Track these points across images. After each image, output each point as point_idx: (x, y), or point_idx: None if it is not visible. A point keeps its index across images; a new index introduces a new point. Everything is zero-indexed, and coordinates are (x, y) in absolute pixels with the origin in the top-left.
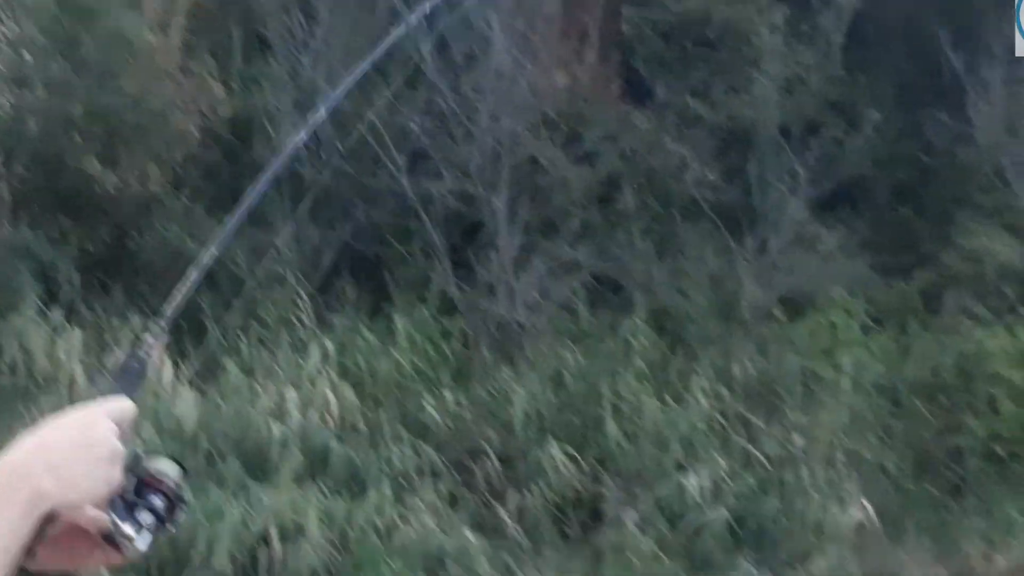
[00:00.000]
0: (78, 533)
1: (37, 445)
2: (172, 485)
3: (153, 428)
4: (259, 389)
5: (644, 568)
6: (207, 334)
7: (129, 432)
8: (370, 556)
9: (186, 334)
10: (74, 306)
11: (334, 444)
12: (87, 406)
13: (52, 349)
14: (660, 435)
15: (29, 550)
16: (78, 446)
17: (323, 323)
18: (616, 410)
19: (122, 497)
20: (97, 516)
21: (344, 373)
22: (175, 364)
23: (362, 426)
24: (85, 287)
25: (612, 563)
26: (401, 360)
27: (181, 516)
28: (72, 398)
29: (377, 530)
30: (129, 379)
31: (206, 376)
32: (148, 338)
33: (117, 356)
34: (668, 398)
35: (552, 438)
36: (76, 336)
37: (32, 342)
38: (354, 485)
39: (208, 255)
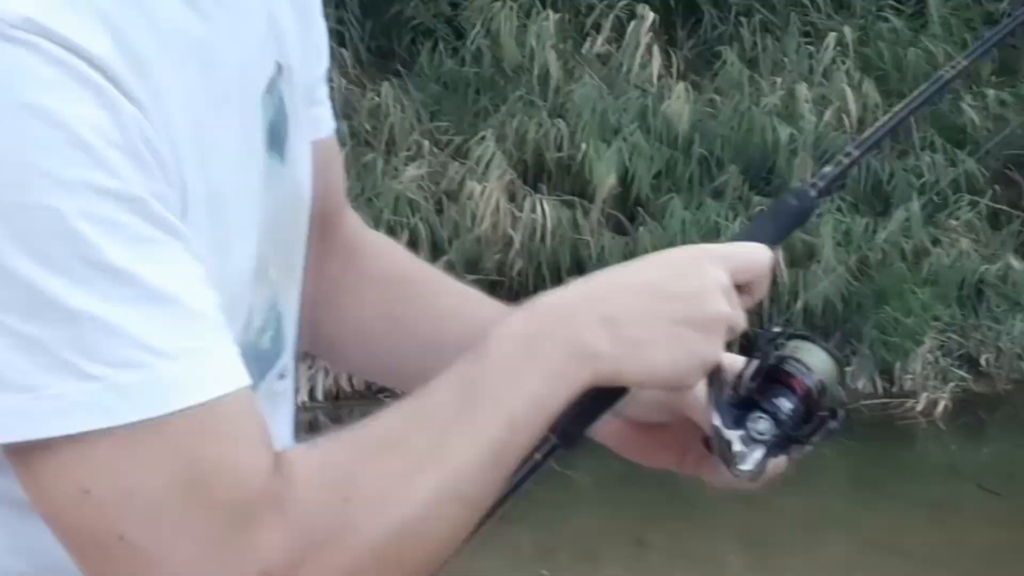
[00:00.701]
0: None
1: (596, 288)
2: (814, 387)
3: (639, 129)
4: (763, 84)
5: None
6: (702, 18)
7: (755, 296)
8: (894, 283)
9: (677, 17)
10: None
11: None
12: (692, 248)
13: (522, 34)
14: None
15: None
16: (660, 298)
17: (840, 5)
18: None
19: (734, 389)
20: (687, 406)
21: (865, 65)
22: (664, 53)
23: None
24: None
25: None
26: (933, 49)
27: (820, 437)
28: (544, 91)
29: (903, 254)
30: (778, 221)
31: (700, 69)
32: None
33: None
34: None
35: None
36: (549, 19)
37: (498, 25)
38: (876, 202)
39: None
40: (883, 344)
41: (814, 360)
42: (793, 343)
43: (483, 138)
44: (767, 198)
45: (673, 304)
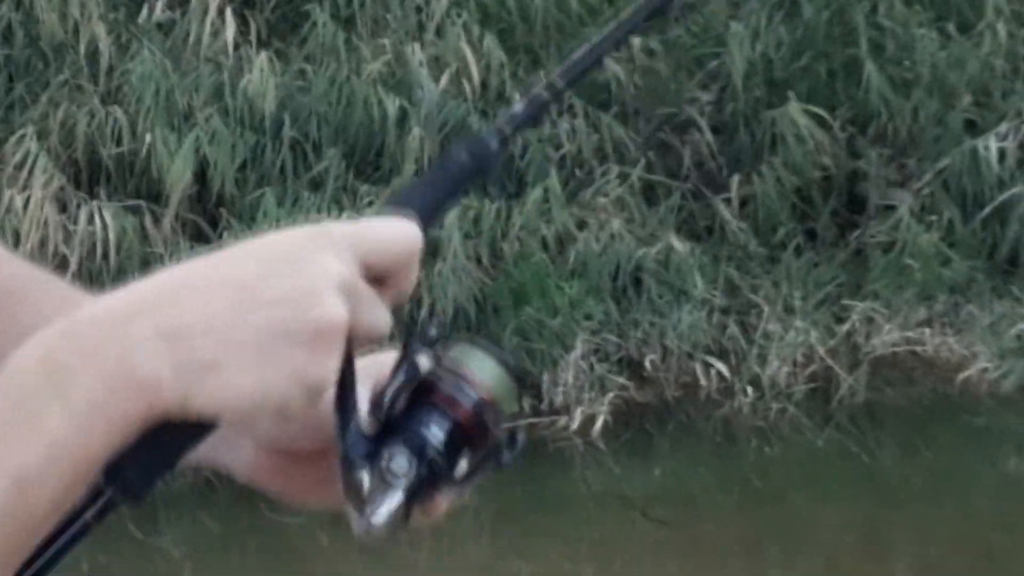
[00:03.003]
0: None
1: (158, 291)
2: (474, 407)
3: (215, 112)
4: (363, 49)
5: (924, 270)
6: None
7: (402, 287)
8: (535, 278)
9: None
10: None
11: (474, 121)
12: (300, 231)
13: (62, 4)
14: (941, 82)
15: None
16: (245, 303)
17: None
18: (876, 49)
19: (373, 409)
20: (314, 437)
21: (485, 18)
22: (240, 17)
23: (515, 94)
24: None
25: (878, 267)
26: None
27: (483, 474)
28: (94, 72)
29: (544, 242)
30: (437, 184)
31: (285, 33)
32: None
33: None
34: (951, 28)
35: (789, 94)
36: None
37: None
38: (508, 182)
39: None
40: (526, 352)
41: (477, 370)
42: (453, 350)
43: (21, 136)
44: (377, 186)
45: (263, 311)
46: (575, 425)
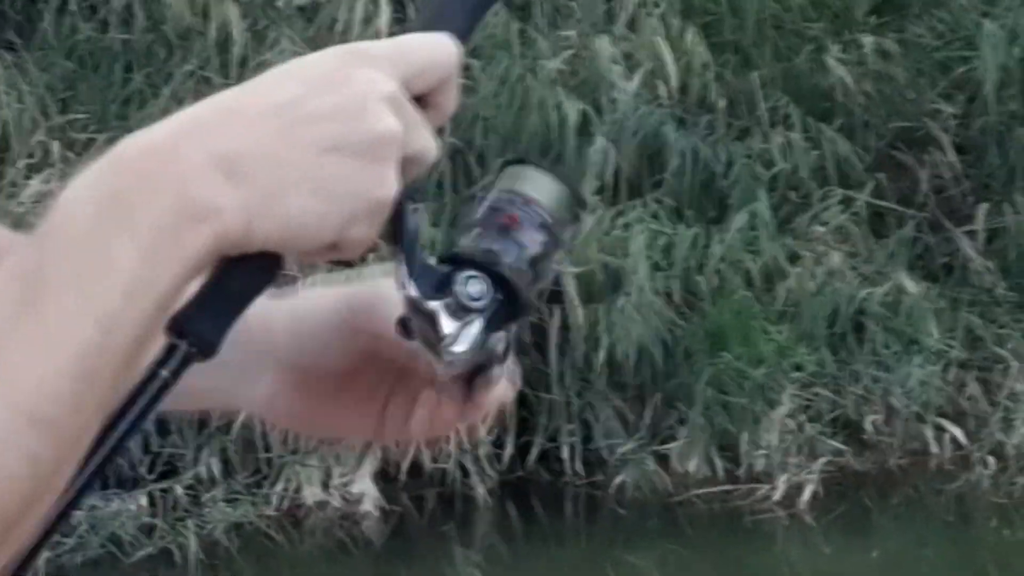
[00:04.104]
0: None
1: (203, 118)
2: (544, 223)
3: None
4: (541, 42)
5: None
6: None
7: (442, 108)
8: (737, 318)
9: None
10: None
11: (671, 132)
12: (338, 49)
13: None
14: None
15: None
16: (295, 122)
17: None
18: None
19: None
20: (378, 331)
21: (687, 9)
22: (396, 3)
23: (719, 100)
24: None
25: None
26: None
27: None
28: (224, 63)
29: (748, 277)
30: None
31: None
32: None
33: None
34: None
35: None
36: None
37: None
38: (708, 203)
39: None
40: (723, 407)
41: (534, 190)
42: (504, 176)
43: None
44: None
45: (315, 127)
46: (778, 495)
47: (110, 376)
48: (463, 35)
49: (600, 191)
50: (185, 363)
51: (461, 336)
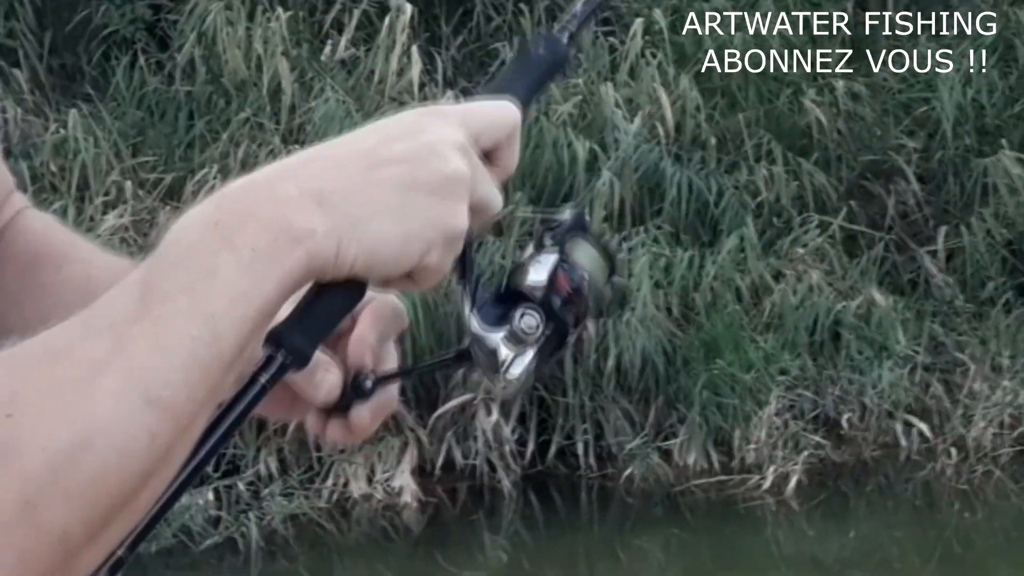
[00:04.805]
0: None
1: (294, 164)
2: (584, 289)
3: None
4: (554, 89)
5: None
6: (472, 9)
7: (505, 165)
8: (728, 331)
9: (441, 9)
10: None
11: (668, 166)
12: (416, 109)
13: (247, 39)
14: None
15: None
16: (374, 165)
17: None
18: None
19: (484, 292)
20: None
21: (680, 59)
22: (426, 55)
23: (710, 138)
24: None
25: None
26: (766, 33)
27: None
28: (276, 110)
29: (738, 293)
30: (528, 74)
31: (472, 72)
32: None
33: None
34: None
35: (1001, 142)
36: (281, 20)
37: (217, 30)
38: (702, 228)
39: None
40: (717, 408)
41: (585, 259)
42: (569, 238)
43: (203, 175)
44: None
45: (394, 167)
46: (767, 484)
47: (218, 371)
48: (525, 101)
49: (607, 219)
50: (281, 371)
51: (515, 363)
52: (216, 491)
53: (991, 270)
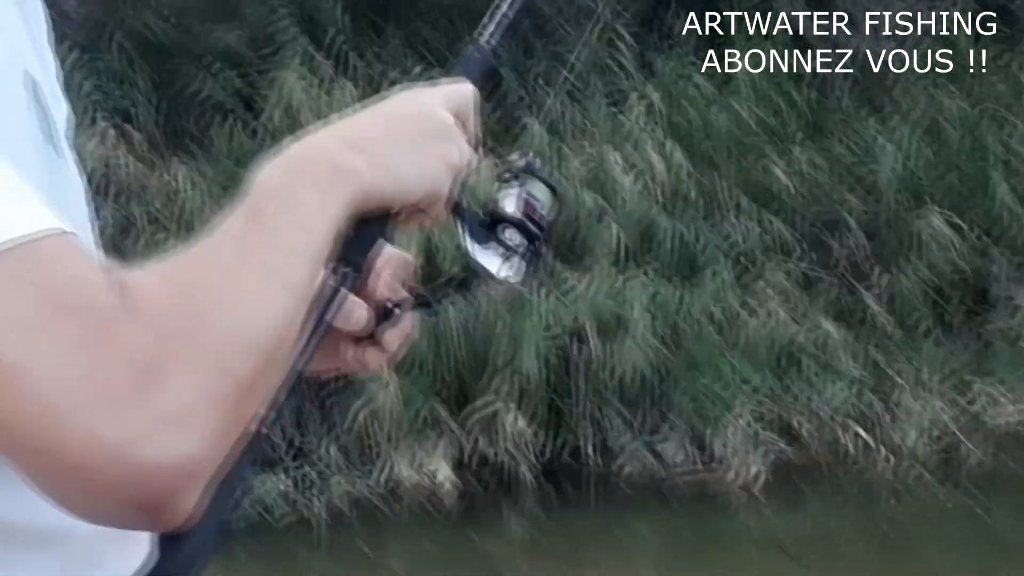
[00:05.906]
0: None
1: (335, 128)
2: (542, 210)
3: None
4: (568, 152)
5: None
6: (501, 84)
7: (468, 129)
8: (706, 352)
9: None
10: (344, 56)
11: (661, 218)
12: (406, 88)
13: (319, 106)
14: None
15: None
16: (396, 122)
17: (647, 68)
18: (1007, 167)
19: (473, 220)
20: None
21: (673, 130)
22: None
23: (695, 195)
24: (356, 33)
25: (1002, 355)
26: (742, 112)
27: (542, 262)
28: None
29: (715, 321)
30: (473, 61)
31: (502, 137)
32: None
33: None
34: None
35: (929, 203)
36: (347, 90)
37: (297, 98)
38: (686, 268)
39: None
40: (697, 414)
41: (539, 193)
42: (529, 179)
43: None
44: (576, 271)
45: (409, 124)
46: (739, 479)
47: (311, 263)
48: (477, 83)
49: (611, 262)
50: (345, 279)
51: (512, 270)
52: (289, 474)
53: (921, 308)
